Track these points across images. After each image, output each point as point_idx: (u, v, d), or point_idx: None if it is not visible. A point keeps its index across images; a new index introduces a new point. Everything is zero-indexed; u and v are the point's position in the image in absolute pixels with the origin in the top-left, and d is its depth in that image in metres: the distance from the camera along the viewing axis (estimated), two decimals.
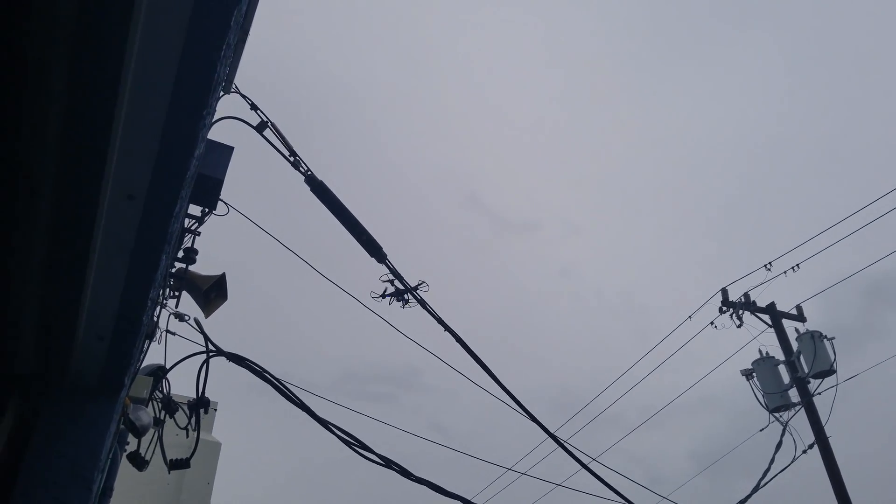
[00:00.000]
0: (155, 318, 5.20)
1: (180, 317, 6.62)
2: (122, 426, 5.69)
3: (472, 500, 8.43)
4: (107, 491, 6.58)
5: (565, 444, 9.40)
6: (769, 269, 13.59)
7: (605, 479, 8.92)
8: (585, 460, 9.48)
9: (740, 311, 14.33)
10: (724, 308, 14.50)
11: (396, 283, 5.12)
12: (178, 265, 4.72)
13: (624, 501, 9.21)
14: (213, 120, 4.18)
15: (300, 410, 6.71)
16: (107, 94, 1.38)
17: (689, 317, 14.54)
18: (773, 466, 11.51)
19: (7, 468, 2.22)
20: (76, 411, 2.34)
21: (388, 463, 7.65)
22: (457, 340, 5.36)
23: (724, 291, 14.66)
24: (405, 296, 5.20)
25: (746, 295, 14.35)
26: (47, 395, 2.34)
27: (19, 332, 2.12)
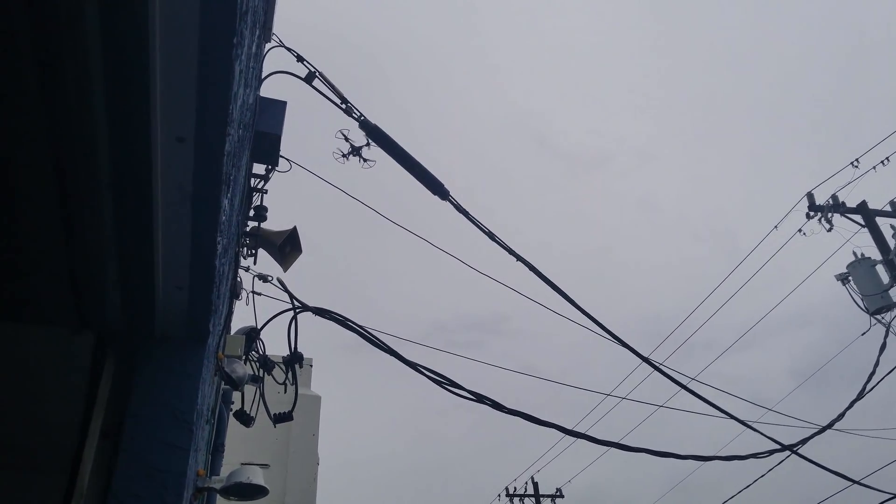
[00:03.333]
0: (238, 279, 5.41)
1: (264, 278, 6.87)
2: (222, 382, 6.00)
3: (569, 428, 8.51)
4: (219, 447, 6.99)
5: (660, 366, 9.32)
6: (857, 167, 12.82)
7: (706, 398, 8.80)
8: (683, 381, 9.36)
9: (829, 214, 13.64)
10: (812, 213, 13.82)
11: (351, 140, 4.98)
12: (251, 224, 4.87)
13: (728, 416, 9.10)
14: (263, 76, 4.24)
15: (392, 366, 6.88)
16: (139, 37, 1.41)
17: (776, 227, 13.94)
18: (877, 370, 11.08)
19: (114, 418, 2.38)
20: (168, 361, 2.47)
21: (479, 398, 7.79)
22: (529, 269, 5.34)
23: (810, 196, 13.93)
24: (360, 153, 4.94)
25: (834, 196, 13.61)
26: (140, 348, 2.48)
27: (105, 291, 2.24)
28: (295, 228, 5.09)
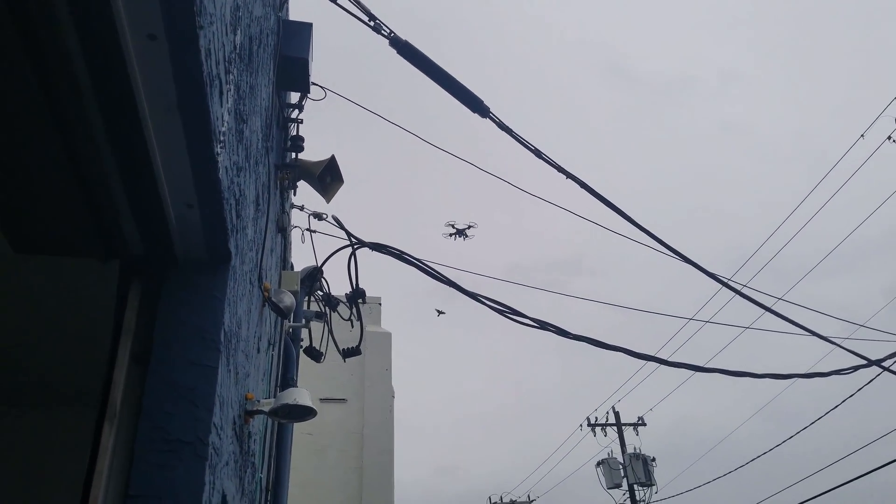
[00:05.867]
0: (286, 213, 5.43)
1: (318, 216, 6.89)
2: (285, 319, 6.09)
3: (637, 352, 8.33)
4: (288, 381, 7.18)
5: (742, 287, 8.96)
6: None
7: (791, 319, 8.42)
8: (768, 303, 8.98)
9: None
10: None
11: (456, 225, 6.24)
12: (290, 157, 4.84)
13: (810, 334, 8.69)
14: None
15: (477, 313, 6.84)
16: None
17: (862, 135, 13.06)
18: None
19: (143, 344, 2.39)
20: (192, 283, 2.46)
21: (542, 325, 7.69)
22: (581, 186, 5.11)
23: None
24: (465, 232, 6.78)
25: None
26: (164, 273, 2.48)
27: (118, 216, 2.23)
28: (333, 158, 5.02)
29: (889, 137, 13.19)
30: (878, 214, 13.82)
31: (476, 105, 4.66)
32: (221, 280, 2.49)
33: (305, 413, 3.35)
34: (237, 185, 2.53)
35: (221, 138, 2.10)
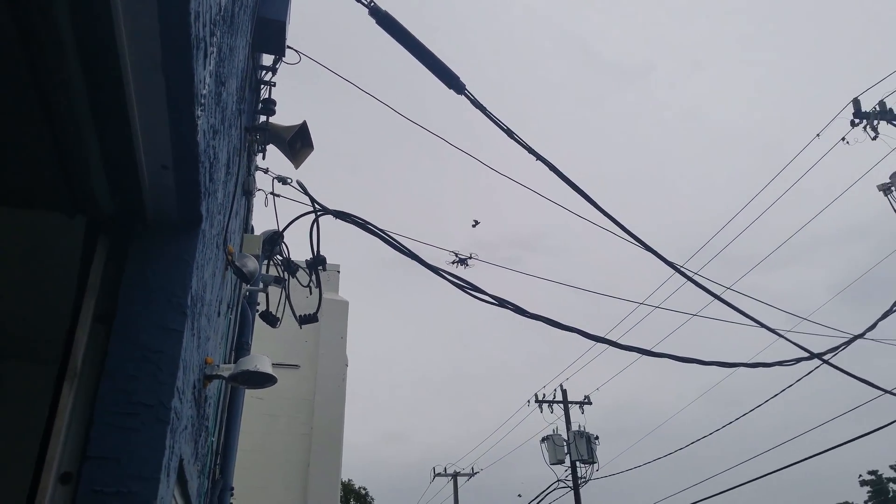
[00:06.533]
0: (251, 176, 5.35)
1: (283, 180, 6.81)
2: (244, 282, 6.03)
3: (590, 333, 8.49)
4: (243, 345, 7.11)
5: (694, 275, 9.16)
6: None
7: (740, 308, 8.68)
8: (718, 291, 9.23)
9: (875, 122, 13.23)
10: (857, 120, 13.36)
11: (460, 254, 7.09)
12: (261, 120, 4.75)
13: (758, 325, 8.98)
14: None
15: (439, 287, 6.86)
16: None
17: (818, 135, 13.42)
18: None
19: (108, 303, 2.35)
20: (161, 245, 2.42)
21: (501, 302, 7.77)
22: (550, 168, 5.15)
23: (856, 102, 13.37)
24: (467, 261, 8.39)
25: (882, 103, 13.17)
26: (133, 233, 2.43)
27: (90, 171, 2.17)
28: (305, 123, 4.94)
29: (843, 139, 13.61)
30: (828, 211, 14.25)
31: (452, 81, 4.63)
32: (191, 243, 2.46)
33: (265, 380, 3.35)
34: (212, 148, 2.49)
35: (202, 101, 2.06)
